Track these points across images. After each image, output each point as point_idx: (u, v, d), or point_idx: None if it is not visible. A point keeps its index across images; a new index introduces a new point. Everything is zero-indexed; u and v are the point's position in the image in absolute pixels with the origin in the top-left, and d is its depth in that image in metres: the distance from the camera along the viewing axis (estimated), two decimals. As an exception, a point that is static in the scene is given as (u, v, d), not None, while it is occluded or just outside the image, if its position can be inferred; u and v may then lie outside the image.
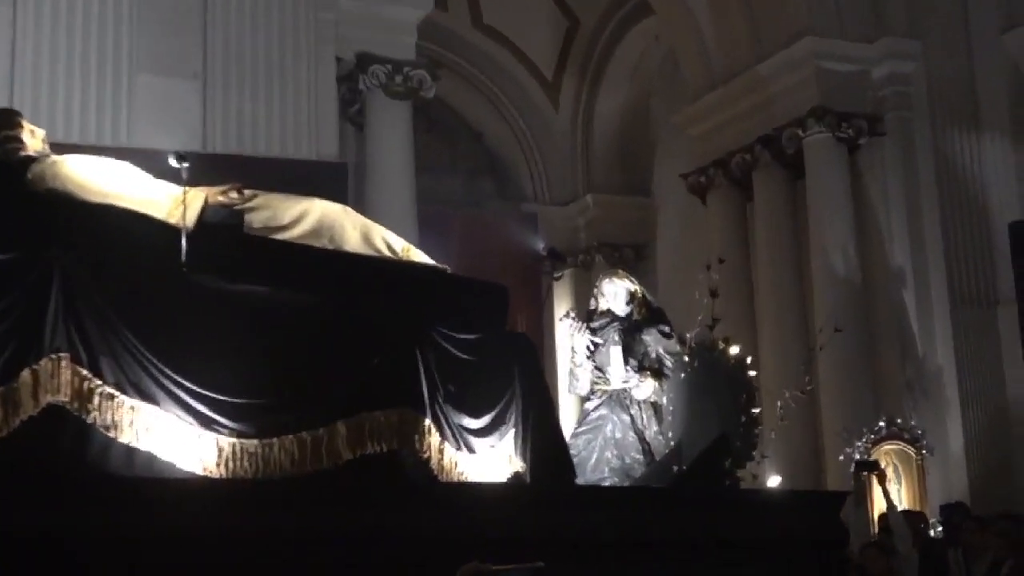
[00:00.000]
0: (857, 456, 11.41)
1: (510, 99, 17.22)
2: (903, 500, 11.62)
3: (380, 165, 12.19)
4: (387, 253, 6.57)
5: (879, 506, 10.38)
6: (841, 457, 11.71)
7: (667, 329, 8.28)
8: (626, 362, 8.17)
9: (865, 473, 10.29)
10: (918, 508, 11.36)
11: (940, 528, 10.86)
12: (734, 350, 7.64)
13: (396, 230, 12.12)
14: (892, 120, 13.32)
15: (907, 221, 13.14)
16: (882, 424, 11.97)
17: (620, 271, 8.76)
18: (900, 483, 11.89)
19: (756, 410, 7.44)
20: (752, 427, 7.35)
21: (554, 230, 16.94)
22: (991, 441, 12.52)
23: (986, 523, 9.02)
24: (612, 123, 17.19)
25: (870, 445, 11.78)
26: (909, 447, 11.96)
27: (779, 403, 8.44)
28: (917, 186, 13.17)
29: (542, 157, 17.35)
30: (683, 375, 7.85)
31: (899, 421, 12.10)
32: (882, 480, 9.98)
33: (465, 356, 6.35)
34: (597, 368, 8.26)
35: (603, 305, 8.47)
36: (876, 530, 10.05)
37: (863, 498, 10.50)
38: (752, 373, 7.58)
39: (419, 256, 6.73)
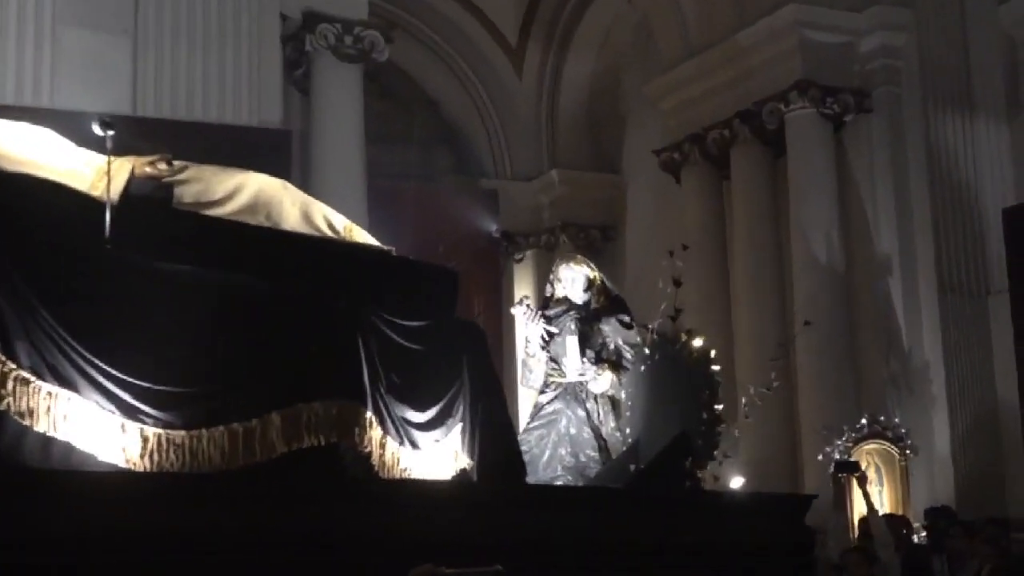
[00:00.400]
0: (836, 456, 11.51)
1: (470, 65, 17.18)
2: (885, 503, 11.78)
3: (327, 133, 12.19)
4: (328, 232, 6.63)
5: (859, 510, 10.52)
6: (820, 457, 11.80)
7: (627, 319, 8.37)
8: (583, 353, 8.28)
9: (845, 474, 10.37)
10: (901, 512, 11.51)
11: (924, 534, 10.96)
12: (697, 343, 7.75)
13: (344, 204, 12.17)
14: (880, 96, 13.43)
15: (894, 204, 13.27)
16: (864, 422, 12.08)
17: (578, 256, 8.84)
18: (882, 485, 12.02)
19: (719, 407, 7.55)
20: (714, 425, 7.47)
21: (515, 208, 16.95)
22: (979, 441, 12.64)
23: (973, 529, 9.14)
24: (580, 94, 17.22)
25: (851, 444, 11.88)
26: (892, 447, 12.08)
27: (743, 400, 8.55)
28: (906, 167, 13.29)
29: (504, 129, 17.34)
30: (643, 368, 7.94)
31: (882, 419, 12.22)
32: (863, 482, 10.06)
33: (410, 344, 6.43)
34: (552, 359, 8.37)
35: (559, 292, 8.58)
36: (856, 535, 10.19)
37: (843, 501, 10.61)
38: (716, 368, 7.70)
39: (363, 236, 6.78)
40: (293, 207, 6.59)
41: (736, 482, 8.88)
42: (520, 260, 16.84)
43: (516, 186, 17.24)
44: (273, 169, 10.95)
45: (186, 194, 6.36)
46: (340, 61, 12.03)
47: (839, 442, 11.84)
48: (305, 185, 12.46)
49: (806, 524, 6.65)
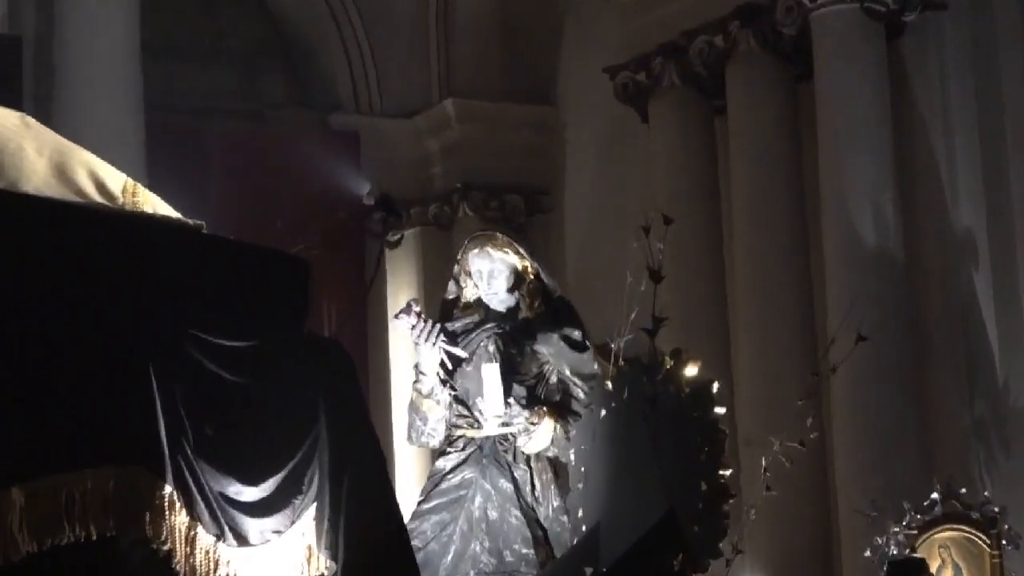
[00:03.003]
0: (892, 550, 11.69)
1: (319, -61, 17.31)
2: (968, 622, 11.96)
3: (81, 41, 12.40)
4: (97, 197, 6.60)
5: (927, 632, 10.74)
6: (867, 553, 11.94)
7: (577, 335, 8.44)
8: (508, 391, 8.33)
9: (904, 579, 10.55)
10: (991, 636, 11.74)
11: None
12: (691, 371, 7.80)
13: (112, 152, 12.15)
14: (959, -16, 13.64)
15: (981, 158, 13.46)
16: (935, 496, 12.20)
17: (499, 235, 8.83)
18: (964, 595, 12.16)
19: (726, 473, 7.61)
20: (720, 502, 7.51)
21: (389, 160, 16.98)
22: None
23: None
24: (491, -18, 17.37)
25: (914, 531, 12.03)
26: (979, 535, 12.18)
27: (764, 461, 8.59)
28: (998, 99, 13.47)
29: (370, 39, 17.37)
30: (604, 414, 7.98)
31: (963, 491, 12.33)
32: (931, 591, 10.26)
33: (235, 378, 6.42)
34: (458, 400, 8.42)
35: (470, 293, 8.63)
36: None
37: (902, 618, 10.78)
38: (720, 410, 7.74)
39: (155, 204, 6.75)
40: (40, 157, 6.56)
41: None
42: (396, 243, 16.80)
43: (389, 125, 17.30)
44: (-6, 95, 11.09)
45: None
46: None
47: (896, 528, 11.99)
48: (45, 121, 12.46)
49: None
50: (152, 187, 8.79)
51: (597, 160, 16.47)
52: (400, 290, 16.05)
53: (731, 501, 7.64)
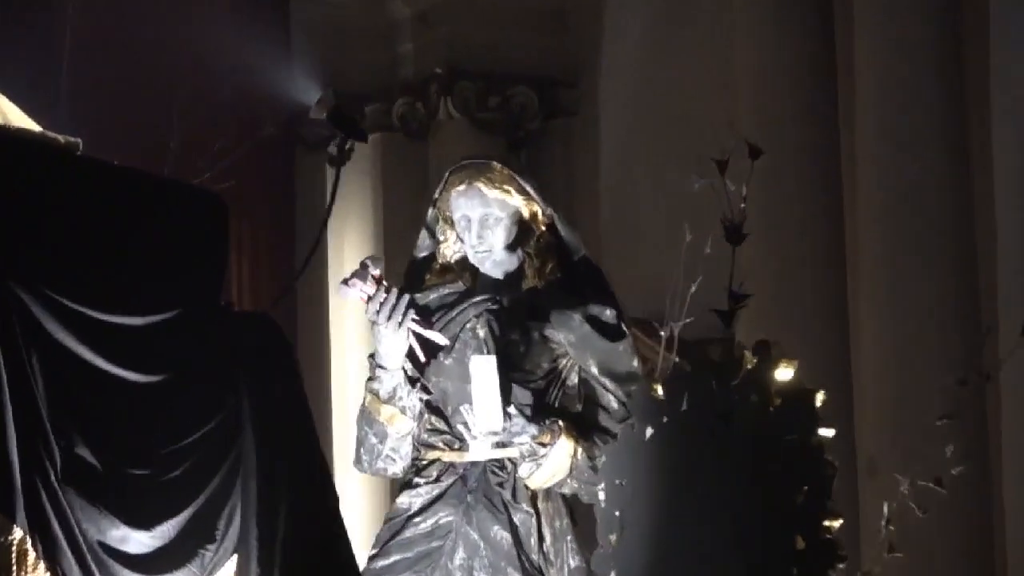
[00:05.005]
0: None
1: None
2: None
3: None
4: None
5: None
6: None
7: (610, 315, 8.54)
8: (507, 398, 8.38)
9: None
10: None
11: None
12: (785, 374, 7.92)
13: None
14: None
15: None
16: None
17: (497, 165, 8.77)
18: None
19: (835, 523, 7.75)
20: (824, 566, 7.66)
21: (335, 32, 17.25)
22: None
23: None
24: None
25: None
26: None
27: (886, 509, 8.78)
28: None
29: None
30: (650, 433, 8.09)
31: None
32: None
33: (122, 371, 6.67)
34: (432, 408, 8.58)
35: (452, 250, 8.75)
36: None
37: None
38: (827, 433, 7.86)
39: (5, 112, 7.04)
40: None
41: None
42: (345, 155, 16.92)
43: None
44: None
45: None
46: None
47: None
48: None
49: None
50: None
51: (648, 39, 16.60)
52: (348, 231, 16.53)
53: (841, 565, 7.69)
